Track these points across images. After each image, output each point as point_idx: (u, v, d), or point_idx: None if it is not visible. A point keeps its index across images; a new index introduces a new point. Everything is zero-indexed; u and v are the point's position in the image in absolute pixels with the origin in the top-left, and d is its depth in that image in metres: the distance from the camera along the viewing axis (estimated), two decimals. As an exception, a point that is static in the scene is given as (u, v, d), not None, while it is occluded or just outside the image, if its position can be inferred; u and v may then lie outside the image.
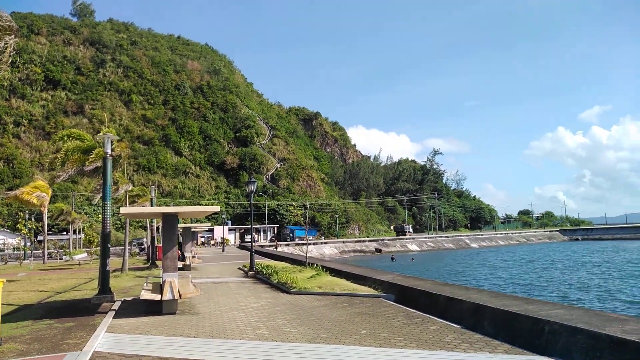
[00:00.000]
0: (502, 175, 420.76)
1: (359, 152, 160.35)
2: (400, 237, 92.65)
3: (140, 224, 67.65)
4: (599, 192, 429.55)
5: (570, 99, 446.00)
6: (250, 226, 24.42)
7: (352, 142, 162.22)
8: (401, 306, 11.23)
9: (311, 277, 16.35)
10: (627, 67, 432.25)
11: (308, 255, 23.71)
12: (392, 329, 8.65)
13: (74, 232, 57.27)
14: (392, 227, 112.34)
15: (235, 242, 78.24)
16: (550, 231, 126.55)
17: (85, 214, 66.45)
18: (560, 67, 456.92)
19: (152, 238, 32.67)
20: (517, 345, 7.15)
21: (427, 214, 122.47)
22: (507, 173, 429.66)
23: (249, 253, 23.93)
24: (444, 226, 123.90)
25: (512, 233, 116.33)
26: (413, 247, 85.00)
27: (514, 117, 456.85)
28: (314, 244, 73.13)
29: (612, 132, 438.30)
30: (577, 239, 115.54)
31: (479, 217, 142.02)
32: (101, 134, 14.73)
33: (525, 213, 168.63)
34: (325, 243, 76.72)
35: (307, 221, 22.66)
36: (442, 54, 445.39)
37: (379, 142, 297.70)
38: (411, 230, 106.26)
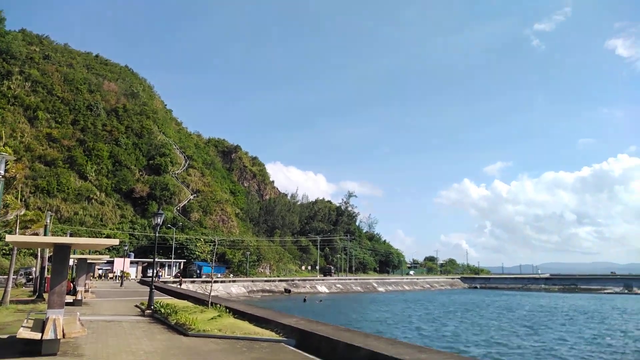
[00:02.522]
0: (412, 221, 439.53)
1: (277, 188, 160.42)
2: (312, 278, 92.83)
3: (30, 251, 62.05)
4: (497, 242, 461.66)
5: (477, 153, 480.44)
6: (153, 260, 23.29)
7: (271, 179, 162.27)
8: (301, 352, 11.11)
9: (213, 318, 15.77)
10: (527, 129, 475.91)
11: (213, 294, 22.95)
12: (288, 377, 8.50)
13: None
14: (303, 268, 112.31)
15: (136, 277, 73.97)
16: (452, 278, 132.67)
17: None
18: (468, 121, 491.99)
19: (42, 268, 30.04)
20: (407, 396, 7.29)
21: (338, 256, 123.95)
22: (416, 219, 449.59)
23: (149, 289, 22.69)
24: (354, 268, 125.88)
25: (417, 279, 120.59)
26: (322, 288, 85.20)
27: (425, 167, 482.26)
28: (222, 282, 71.09)
29: (512, 187, 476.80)
30: (476, 287, 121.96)
31: (387, 261, 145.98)
32: (-7, 153, 13.54)
33: (430, 259, 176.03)
34: (234, 281, 74.82)
35: (214, 258, 21.69)
36: (362, 101, 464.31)
37: (297, 180, 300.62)
38: (332, 270, 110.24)
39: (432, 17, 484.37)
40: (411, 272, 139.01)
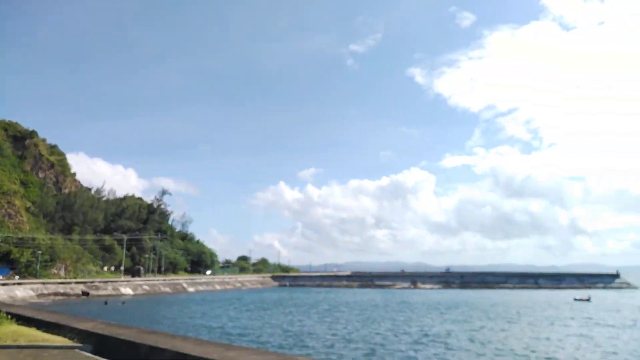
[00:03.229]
0: (227, 220, 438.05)
1: (79, 182, 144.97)
2: (115, 279, 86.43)
3: None
4: (307, 242, 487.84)
5: (293, 158, 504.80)
6: None
7: (72, 170, 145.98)
8: (98, 358, 10.29)
9: (-11, 326, 13.61)
10: (338, 139, 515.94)
11: (-9, 299, 19.78)
12: (81, 385, 7.79)
13: None
14: (105, 268, 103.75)
15: None
16: (263, 277, 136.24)
17: None
18: (287, 127, 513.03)
19: None
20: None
21: (147, 256, 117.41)
22: (231, 219, 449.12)
23: None
24: (163, 269, 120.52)
25: (229, 278, 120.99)
26: (127, 290, 79.84)
27: (243, 168, 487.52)
28: (4, 284, 61.81)
29: (322, 192, 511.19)
30: (286, 285, 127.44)
31: (200, 260, 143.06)
32: None
33: (243, 259, 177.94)
34: (20, 284, 65.57)
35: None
36: (182, 97, 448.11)
37: (104, 174, 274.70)
38: (142, 271, 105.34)
39: (258, 23, 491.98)
40: (208, 272, 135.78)
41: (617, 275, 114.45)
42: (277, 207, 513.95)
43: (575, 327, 36.40)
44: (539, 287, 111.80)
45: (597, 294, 78.67)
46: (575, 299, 67.43)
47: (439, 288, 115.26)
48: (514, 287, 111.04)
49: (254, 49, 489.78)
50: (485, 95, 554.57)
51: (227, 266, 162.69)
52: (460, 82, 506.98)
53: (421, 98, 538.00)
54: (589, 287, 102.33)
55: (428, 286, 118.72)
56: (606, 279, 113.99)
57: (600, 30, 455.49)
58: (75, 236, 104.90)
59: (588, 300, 66.22)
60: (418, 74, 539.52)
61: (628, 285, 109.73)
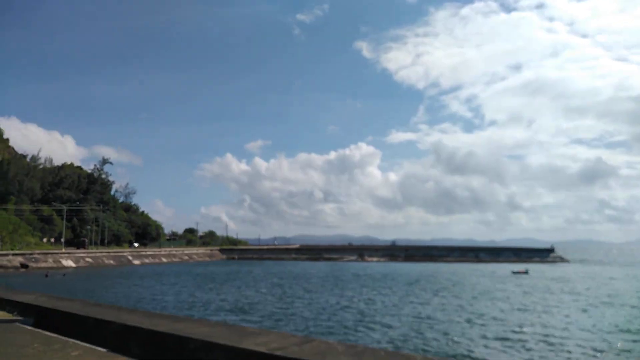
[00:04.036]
0: (172, 192, 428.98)
1: (12, 148, 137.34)
2: (57, 251, 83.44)
3: None
4: (255, 216, 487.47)
5: (240, 130, 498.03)
6: None
7: (5, 136, 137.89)
8: (41, 331, 9.93)
9: None
10: (285, 111, 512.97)
11: None
12: (24, 358, 7.54)
13: None
14: (45, 240, 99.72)
15: None
16: (211, 250, 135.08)
17: None
18: (233, 96, 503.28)
19: None
20: (164, 365, 7.25)
21: (89, 227, 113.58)
22: (177, 191, 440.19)
23: None
24: (106, 241, 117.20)
25: (176, 251, 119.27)
26: (69, 262, 77.30)
27: (188, 138, 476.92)
28: None
29: (270, 165, 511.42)
30: (234, 258, 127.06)
31: (145, 233, 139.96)
32: None
33: (190, 231, 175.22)
34: (-51, 256, 62.13)
35: None
36: (120, 60, 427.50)
37: (38, 141, 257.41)
38: (87, 243, 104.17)
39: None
40: (135, 245, 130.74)
41: (551, 250, 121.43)
42: (224, 179, 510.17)
43: (521, 300, 37.71)
44: (480, 260, 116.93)
45: (534, 267, 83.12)
46: (513, 272, 70.78)
47: (385, 261, 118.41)
48: (456, 261, 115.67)
49: (200, 12, 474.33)
50: (429, 73, 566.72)
51: (174, 239, 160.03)
52: (407, 58, 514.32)
53: (368, 72, 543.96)
54: (526, 261, 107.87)
55: (375, 259, 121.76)
56: (542, 254, 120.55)
57: (540, 14, 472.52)
58: (10, 206, 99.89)
59: (526, 273, 69.88)
60: (365, 48, 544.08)
61: (561, 260, 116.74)
